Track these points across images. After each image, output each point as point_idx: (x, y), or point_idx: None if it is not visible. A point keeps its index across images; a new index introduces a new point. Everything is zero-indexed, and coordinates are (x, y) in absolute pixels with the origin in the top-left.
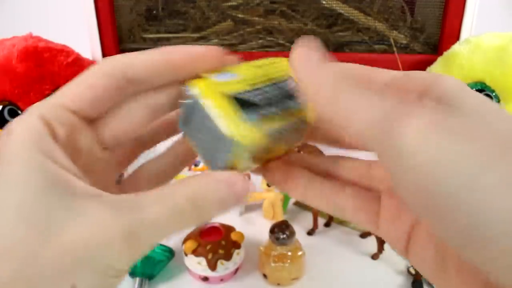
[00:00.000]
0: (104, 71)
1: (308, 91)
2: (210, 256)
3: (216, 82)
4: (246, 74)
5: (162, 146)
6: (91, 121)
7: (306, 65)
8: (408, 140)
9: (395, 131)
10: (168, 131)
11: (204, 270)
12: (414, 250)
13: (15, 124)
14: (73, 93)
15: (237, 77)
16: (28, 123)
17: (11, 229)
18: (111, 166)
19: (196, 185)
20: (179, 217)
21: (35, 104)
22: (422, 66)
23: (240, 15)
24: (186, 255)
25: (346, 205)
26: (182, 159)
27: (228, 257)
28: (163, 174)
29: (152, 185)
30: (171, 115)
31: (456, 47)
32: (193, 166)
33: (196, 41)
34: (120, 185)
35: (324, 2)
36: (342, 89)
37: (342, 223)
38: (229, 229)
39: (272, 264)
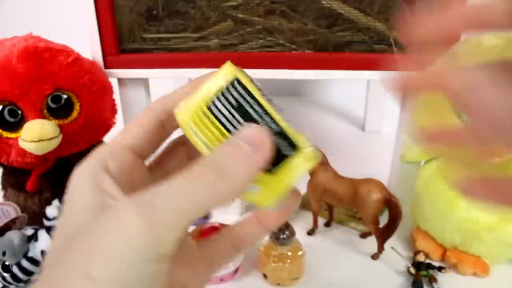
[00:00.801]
0: (148, 108)
1: None
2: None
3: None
4: None
5: None
6: (151, 165)
7: None
8: None
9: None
10: None
11: None
12: None
13: (79, 165)
14: (124, 131)
15: None
16: (87, 162)
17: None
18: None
19: (221, 159)
20: (209, 191)
21: (96, 149)
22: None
23: (240, 15)
24: None
25: None
26: None
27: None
28: None
29: None
30: None
31: (456, 47)
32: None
33: (196, 41)
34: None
35: (324, 2)
36: None
37: (342, 223)
38: None
39: (272, 264)
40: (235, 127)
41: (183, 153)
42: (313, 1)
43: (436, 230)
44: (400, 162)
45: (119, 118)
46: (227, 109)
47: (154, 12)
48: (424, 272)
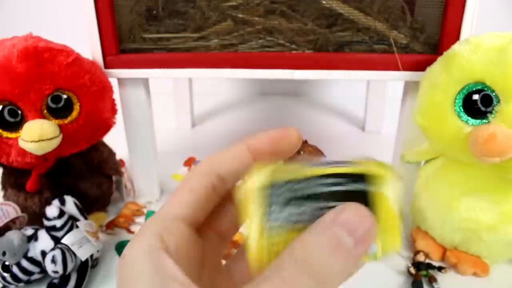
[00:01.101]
0: (199, 172)
1: None
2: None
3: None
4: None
5: None
6: (200, 226)
7: None
8: None
9: None
10: None
11: None
12: None
13: (132, 244)
14: (177, 200)
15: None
16: (142, 240)
17: None
18: (215, 261)
19: (318, 260)
20: None
21: (149, 219)
22: (422, 66)
23: (240, 15)
24: None
25: None
26: None
27: (228, 257)
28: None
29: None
30: None
31: (456, 47)
32: (193, 166)
33: (196, 41)
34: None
35: (324, 2)
36: None
37: None
38: None
39: None
40: (311, 217)
41: (233, 209)
42: (313, 1)
43: (436, 230)
44: (400, 162)
45: (119, 118)
46: (286, 212)
47: (154, 12)
48: (424, 272)
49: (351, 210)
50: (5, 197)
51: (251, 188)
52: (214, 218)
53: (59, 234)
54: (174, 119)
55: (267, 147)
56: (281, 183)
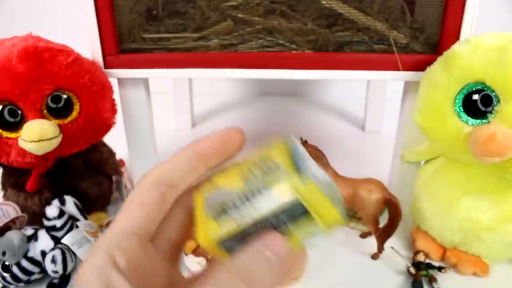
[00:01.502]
0: (150, 184)
1: None
2: (210, 256)
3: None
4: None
5: None
6: (153, 236)
7: None
8: None
9: None
10: None
11: None
12: None
13: (84, 263)
14: (129, 215)
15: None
16: (93, 259)
17: None
18: (167, 268)
19: (248, 269)
20: None
21: (102, 236)
22: (422, 66)
23: (240, 15)
24: (186, 254)
25: None
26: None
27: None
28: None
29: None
30: None
31: (456, 47)
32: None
33: (196, 41)
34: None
35: (324, 2)
36: None
37: None
38: None
39: None
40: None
41: (181, 215)
42: (313, 1)
43: (436, 230)
44: (400, 162)
45: (119, 118)
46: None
47: (154, 12)
48: (424, 272)
49: (271, 239)
50: (5, 197)
51: (206, 245)
52: (162, 224)
53: (59, 234)
54: (174, 119)
55: (213, 150)
56: (230, 236)
